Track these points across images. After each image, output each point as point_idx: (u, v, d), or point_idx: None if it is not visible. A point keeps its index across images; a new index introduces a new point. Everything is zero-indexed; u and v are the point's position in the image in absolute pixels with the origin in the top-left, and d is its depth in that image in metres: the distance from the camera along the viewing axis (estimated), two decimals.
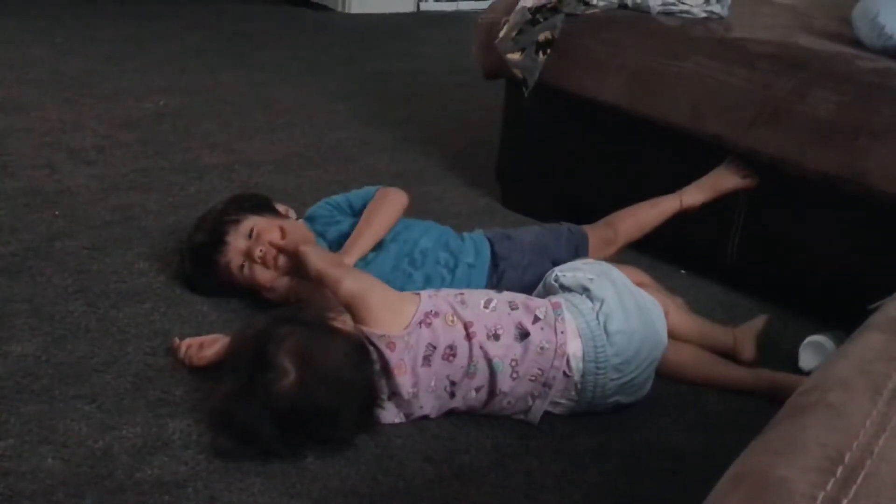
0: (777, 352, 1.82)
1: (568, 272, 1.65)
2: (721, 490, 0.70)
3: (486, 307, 1.53)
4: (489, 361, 1.48)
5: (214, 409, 1.45)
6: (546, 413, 1.56)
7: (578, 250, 1.87)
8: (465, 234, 1.90)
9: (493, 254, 1.83)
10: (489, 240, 1.86)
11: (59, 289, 1.81)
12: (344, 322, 1.47)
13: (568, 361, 1.51)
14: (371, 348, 1.44)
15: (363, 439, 1.45)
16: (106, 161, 2.45)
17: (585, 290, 1.59)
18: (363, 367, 1.43)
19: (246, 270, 1.76)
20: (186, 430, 1.44)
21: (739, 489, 0.68)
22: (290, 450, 1.39)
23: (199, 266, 1.81)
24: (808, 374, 1.67)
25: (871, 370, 0.81)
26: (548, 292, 1.66)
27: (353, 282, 1.51)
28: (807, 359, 1.76)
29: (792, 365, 1.76)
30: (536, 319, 1.52)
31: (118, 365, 1.59)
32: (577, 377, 1.52)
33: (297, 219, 1.91)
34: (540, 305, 1.56)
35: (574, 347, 1.51)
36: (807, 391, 0.82)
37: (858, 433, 0.71)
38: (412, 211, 2.28)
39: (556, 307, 1.55)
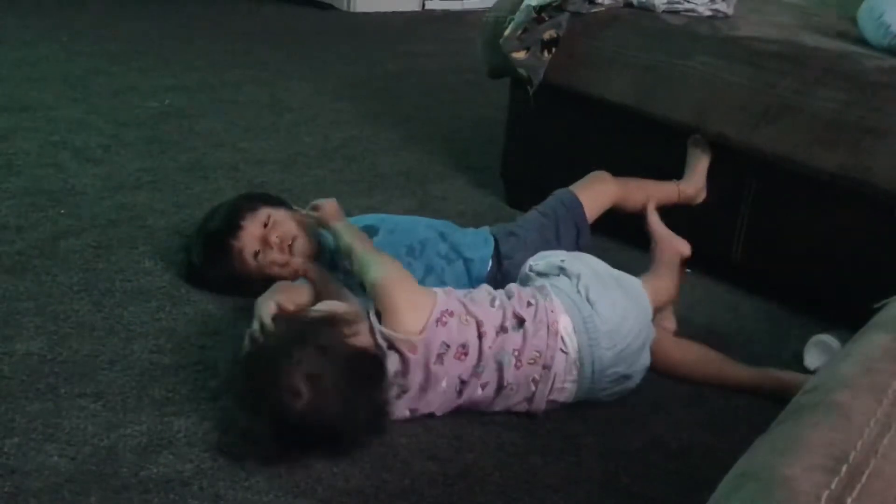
0: (782, 351, 1.81)
1: (540, 260, 1.70)
2: (725, 489, 0.70)
3: (491, 305, 1.55)
4: (498, 359, 1.50)
5: (226, 408, 1.46)
6: (550, 411, 1.56)
7: (578, 224, 1.91)
8: (470, 229, 1.91)
9: (497, 251, 1.84)
10: (494, 237, 1.87)
11: (64, 287, 1.81)
12: (358, 336, 1.46)
13: (562, 339, 1.53)
14: (391, 351, 1.46)
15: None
16: (111, 160, 2.45)
17: (561, 270, 1.64)
18: (375, 386, 1.43)
19: (260, 257, 1.78)
20: (192, 428, 1.44)
21: (744, 488, 0.68)
22: (287, 460, 1.39)
23: (212, 253, 1.81)
24: (813, 373, 1.67)
25: (876, 369, 0.81)
26: (525, 285, 1.68)
27: (380, 272, 1.53)
28: (812, 358, 1.76)
29: (797, 364, 1.76)
30: (529, 304, 1.55)
31: (123, 363, 1.59)
32: (573, 354, 1.53)
33: None
34: (529, 292, 1.60)
35: (564, 323, 1.54)
36: (811, 390, 0.82)
37: (863, 432, 0.71)
38: (416, 210, 2.29)
39: (542, 290, 1.60)
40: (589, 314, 1.55)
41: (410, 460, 1.43)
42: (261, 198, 1.90)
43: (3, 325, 1.67)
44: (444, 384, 1.49)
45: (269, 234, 1.78)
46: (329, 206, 1.76)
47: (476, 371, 1.50)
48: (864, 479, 0.66)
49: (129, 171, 2.39)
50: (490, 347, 1.49)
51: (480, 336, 1.50)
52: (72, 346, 1.62)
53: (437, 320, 1.48)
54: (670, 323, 1.83)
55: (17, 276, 1.83)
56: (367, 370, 1.43)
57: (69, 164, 2.39)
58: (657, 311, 1.74)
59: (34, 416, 1.44)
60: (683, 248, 1.86)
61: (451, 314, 1.50)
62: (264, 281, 1.78)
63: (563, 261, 1.66)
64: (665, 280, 1.79)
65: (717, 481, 0.73)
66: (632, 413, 1.60)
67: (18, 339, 1.63)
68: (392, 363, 1.46)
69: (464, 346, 1.49)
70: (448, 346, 1.48)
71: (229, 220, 1.81)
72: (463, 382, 1.50)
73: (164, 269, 1.91)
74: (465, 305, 1.53)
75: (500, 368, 1.50)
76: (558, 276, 1.64)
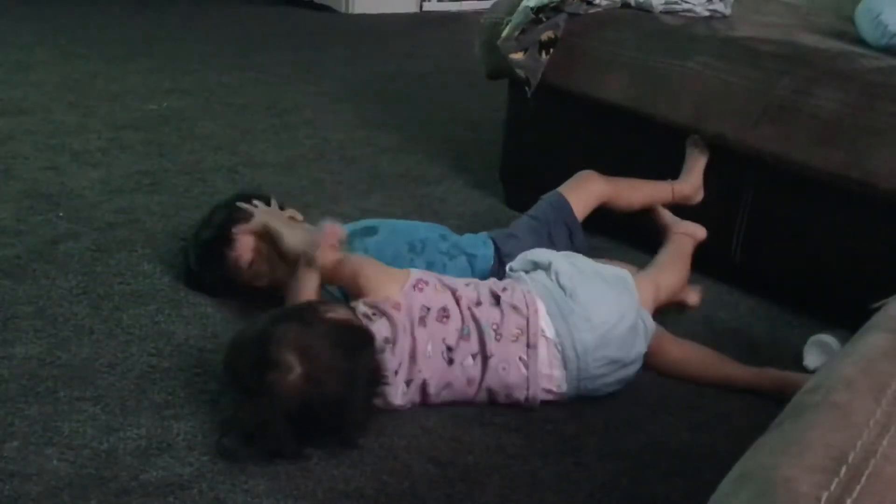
0: (782, 351, 1.81)
1: (517, 261, 1.75)
2: (725, 490, 0.70)
3: (465, 286, 1.61)
4: (478, 323, 1.54)
5: (224, 418, 1.46)
6: (551, 412, 1.56)
7: (568, 224, 1.94)
8: (468, 234, 1.91)
9: (498, 251, 1.85)
10: (493, 240, 1.88)
11: (63, 291, 1.81)
12: (336, 311, 1.49)
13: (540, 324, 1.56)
14: (376, 317, 1.49)
15: (367, 441, 1.45)
16: (110, 163, 2.45)
17: (535, 265, 1.69)
18: (364, 351, 1.45)
19: (255, 266, 1.78)
20: (191, 431, 1.44)
21: (744, 489, 0.68)
22: (300, 448, 1.39)
23: (207, 261, 1.82)
24: (812, 373, 1.67)
25: (875, 370, 0.81)
26: None
27: (351, 263, 1.61)
28: (811, 358, 1.76)
29: (797, 364, 1.76)
30: (504, 289, 1.61)
31: (123, 366, 1.59)
32: (552, 337, 1.55)
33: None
34: (505, 281, 1.67)
35: (540, 308, 1.57)
36: (811, 390, 0.82)
37: (862, 433, 0.71)
38: (415, 212, 2.29)
39: (517, 279, 1.66)
40: (562, 297, 1.58)
41: (410, 462, 1.43)
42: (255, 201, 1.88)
43: (2, 329, 1.67)
44: (429, 348, 1.51)
45: (261, 243, 1.78)
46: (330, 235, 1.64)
47: (462, 334, 1.53)
48: (863, 479, 0.66)
49: (128, 173, 2.39)
50: (469, 308, 1.55)
51: (457, 300, 1.56)
52: (71, 350, 1.62)
53: (414, 286, 1.55)
54: (693, 296, 1.89)
55: (15, 279, 1.83)
56: (352, 336, 1.45)
57: (67, 168, 2.39)
58: (668, 304, 1.81)
59: (33, 420, 1.44)
60: (698, 231, 1.93)
61: (426, 283, 1.57)
62: (260, 286, 1.78)
63: (535, 254, 1.71)
64: (669, 273, 1.83)
65: (716, 482, 0.73)
66: (631, 414, 1.60)
67: (17, 342, 1.63)
68: (380, 329, 1.48)
69: (444, 308, 1.54)
70: (428, 309, 1.53)
71: (224, 229, 1.81)
72: (450, 349, 1.52)
73: (163, 273, 1.91)
74: (438, 279, 1.60)
75: (481, 335, 1.53)
76: (534, 269, 1.68)
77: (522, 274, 1.67)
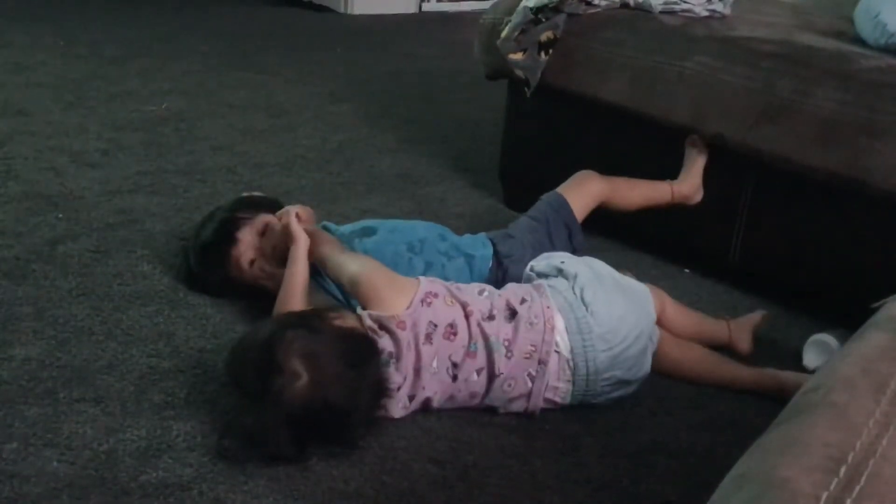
0: (781, 351, 1.81)
1: (542, 261, 1.71)
2: (725, 490, 0.70)
3: (479, 294, 1.58)
4: (486, 339, 1.51)
5: (225, 420, 1.46)
6: (550, 413, 1.56)
7: (568, 224, 1.93)
8: (467, 235, 1.92)
9: (496, 252, 1.85)
10: (491, 241, 1.88)
11: (62, 292, 1.81)
12: (344, 319, 1.49)
13: (555, 339, 1.54)
14: (382, 332, 1.47)
15: (367, 441, 1.45)
16: (109, 164, 2.45)
17: (559, 272, 1.65)
18: (370, 361, 1.44)
19: (256, 267, 1.77)
20: (191, 432, 1.44)
21: (743, 489, 0.68)
22: (300, 453, 1.39)
23: (208, 262, 1.82)
24: (812, 372, 1.67)
25: (875, 369, 0.81)
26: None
27: (357, 265, 1.58)
28: (811, 357, 1.76)
29: (796, 364, 1.76)
30: (523, 301, 1.56)
31: (122, 367, 1.59)
32: (565, 353, 1.54)
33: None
34: (525, 289, 1.62)
35: (558, 323, 1.55)
36: (810, 390, 0.82)
37: (861, 433, 0.71)
38: (414, 212, 2.29)
39: (539, 288, 1.61)
40: (583, 315, 1.55)
41: (410, 462, 1.43)
42: (258, 203, 1.89)
43: (2, 330, 1.66)
44: (434, 364, 1.49)
45: (264, 243, 1.78)
46: (302, 211, 1.75)
47: (469, 350, 1.50)
48: (863, 480, 0.66)
49: (127, 174, 2.39)
50: (478, 324, 1.51)
51: (467, 315, 1.52)
52: (70, 351, 1.62)
53: (422, 300, 1.51)
54: (745, 345, 1.80)
55: (15, 280, 1.83)
56: (359, 347, 1.45)
57: (67, 169, 2.39)
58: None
59: (33, 422, 1.44)
60: (742, 343, 1.79)
61: (436, 296, 1.52)
62: (262, 286, 1.78)
63: (562, 262, 1.67)
64: (684, 320, 1.78)
65: (716, 482, 0.73)
66: (631, 414, 1.60)
67: (17, 344, 1.63)
68: (385, 345, 1.47)
69: (452, 325, 1.50)
70: (435, 326, 1.49)
71: (226, 228, 1.81)
72: (455, 365, 1.50)
73: (163, 273, 1.91)
74: (449, 290, 1.55)
75: (490, 353, 1.51)
76: (556, 276, 1.65)
77: (543, 282, 1.63)
